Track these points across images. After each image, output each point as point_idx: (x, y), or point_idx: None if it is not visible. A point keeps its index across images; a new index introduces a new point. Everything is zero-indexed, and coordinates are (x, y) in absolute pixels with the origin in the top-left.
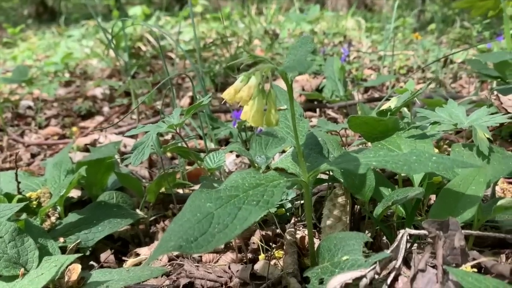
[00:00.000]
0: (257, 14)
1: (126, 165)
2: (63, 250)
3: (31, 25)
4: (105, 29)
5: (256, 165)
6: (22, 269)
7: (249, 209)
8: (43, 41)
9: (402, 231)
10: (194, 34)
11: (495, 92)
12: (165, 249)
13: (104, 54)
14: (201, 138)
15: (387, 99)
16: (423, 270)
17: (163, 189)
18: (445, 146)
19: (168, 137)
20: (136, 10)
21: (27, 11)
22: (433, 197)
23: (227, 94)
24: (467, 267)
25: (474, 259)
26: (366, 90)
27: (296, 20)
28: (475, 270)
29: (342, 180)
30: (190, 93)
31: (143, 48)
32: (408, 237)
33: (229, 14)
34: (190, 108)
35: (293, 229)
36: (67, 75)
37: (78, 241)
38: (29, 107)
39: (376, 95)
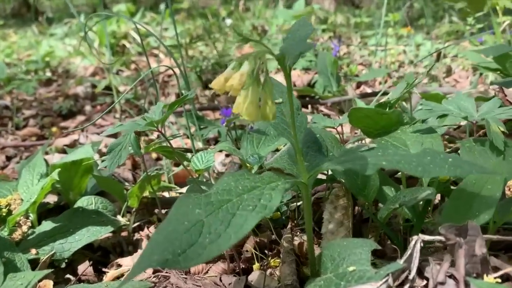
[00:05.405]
0: (244, 11)
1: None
2: (35, 263)
3: (13, 24)
4: (86, 25)
5: (248, 165)
6: None
7: (245, 215)
8: (24, 40)
9: (415, 237)
10: (174, 27)
11: (495, 85)
12: (147, 264)
13: (84, 49)
14: (188, 138)
15: (383, 94)
16: (442, 283)
17: (147, 193)
18: (445, 142)
19: (154, 136)
20: (120, 8)
21: (9, 10)
22: (438, 196)
23: (216, 83)
24: (490, 278)
25: (495, 267)
26: (358, 85)
27: (283, 16)
28: (499, 280)
29: (344, 181)
30: (177, 91)
31: (128, 45)
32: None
33: (216, 11)
34: (174, 103)
35: (290, 235)
36: (48, 73)
37: (52, 252)
38: (6, 107)
39: (369, 90)
